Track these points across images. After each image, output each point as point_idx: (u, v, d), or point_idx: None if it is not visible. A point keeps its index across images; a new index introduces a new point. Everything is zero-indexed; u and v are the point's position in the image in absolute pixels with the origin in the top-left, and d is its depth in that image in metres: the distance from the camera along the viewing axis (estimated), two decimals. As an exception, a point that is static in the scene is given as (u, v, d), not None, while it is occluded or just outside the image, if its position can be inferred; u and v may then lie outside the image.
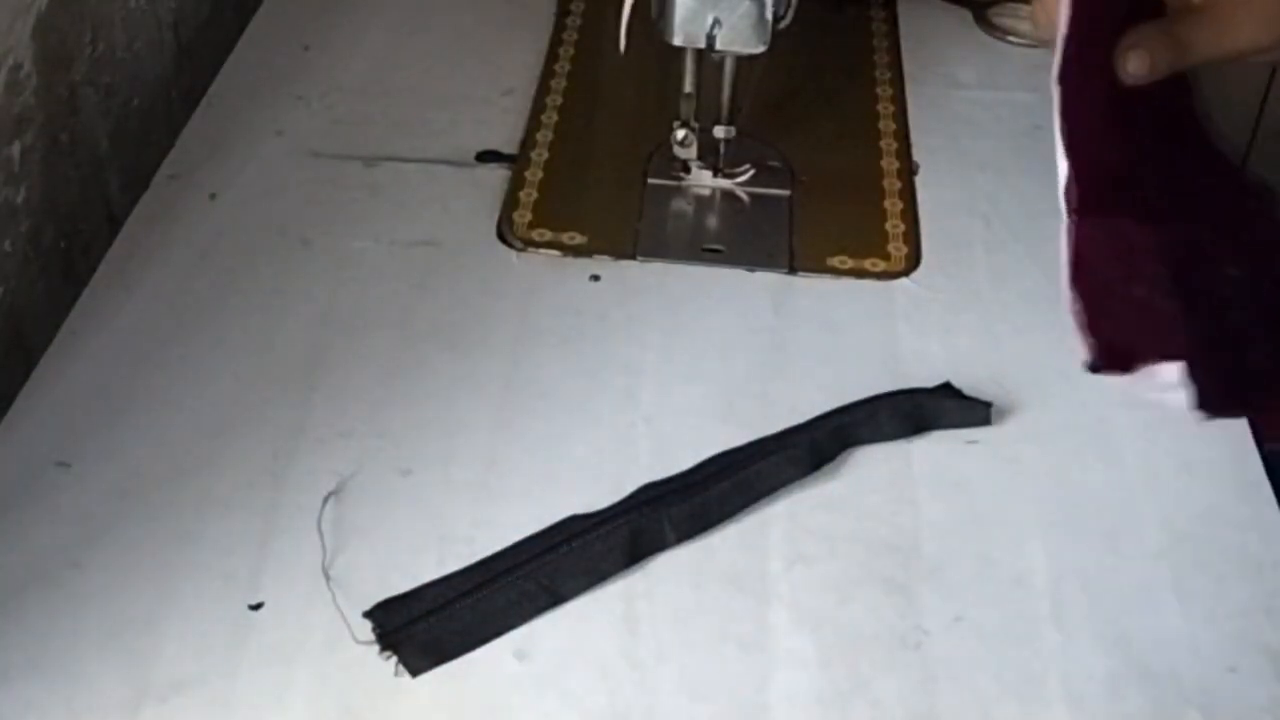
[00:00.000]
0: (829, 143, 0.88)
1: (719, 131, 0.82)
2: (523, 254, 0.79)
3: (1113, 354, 0.53)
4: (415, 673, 0.58)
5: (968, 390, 0.70)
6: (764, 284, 0.78)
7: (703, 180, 0.84)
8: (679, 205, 0.83)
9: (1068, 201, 0.55)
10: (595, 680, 0.58)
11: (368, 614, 0.60)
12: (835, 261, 0.79)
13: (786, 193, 0.84)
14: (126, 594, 0.60)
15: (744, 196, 0.84)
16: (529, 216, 0.82)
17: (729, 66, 0.80)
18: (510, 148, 0.87)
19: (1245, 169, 0.61)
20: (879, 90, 0.94)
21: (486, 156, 0.87)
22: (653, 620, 0.60)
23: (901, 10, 1.01)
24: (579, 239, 0.80)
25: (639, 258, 0.79)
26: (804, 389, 0.71)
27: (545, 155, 0.87)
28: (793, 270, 0.79)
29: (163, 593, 0.60)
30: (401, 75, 0.94)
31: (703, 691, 0.58)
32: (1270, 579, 0.62)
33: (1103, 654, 0.59)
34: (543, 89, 0.92)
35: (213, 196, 0.83)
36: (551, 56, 0.96)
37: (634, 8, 0.77)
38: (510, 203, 0.83)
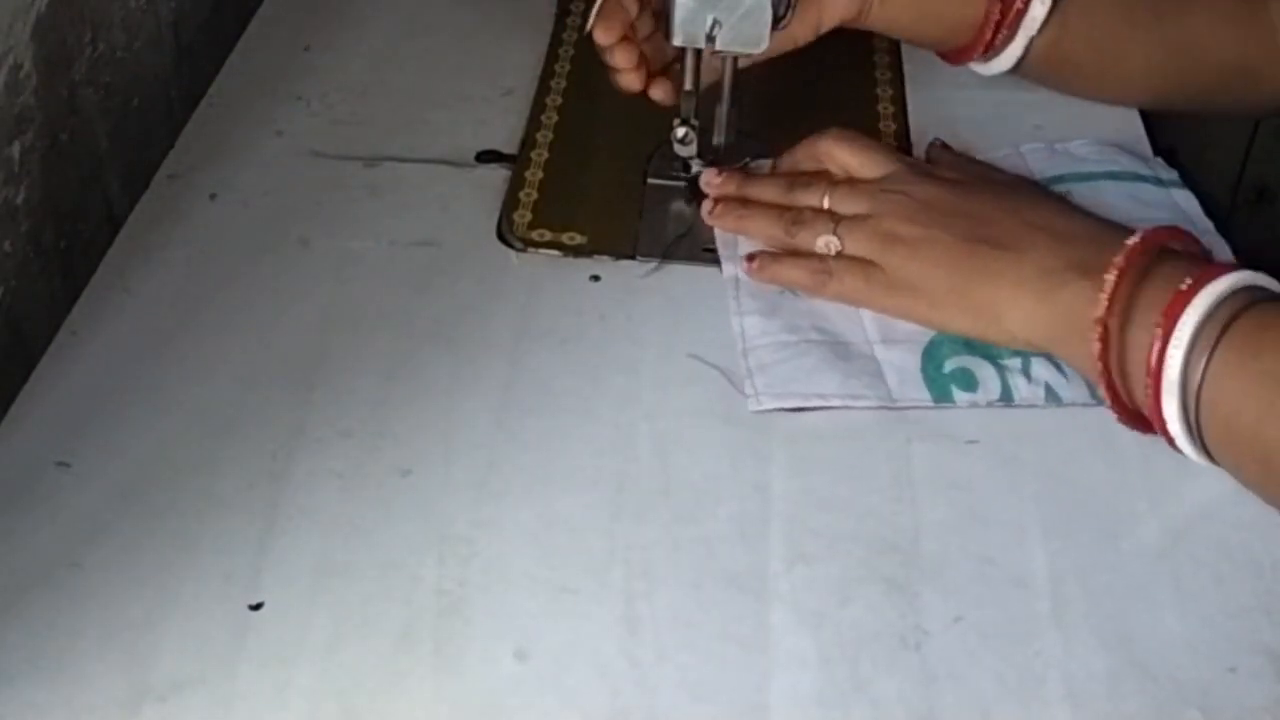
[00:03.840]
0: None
1: (717, 137, 0.82)
2: (523, 254, 0.79)
3: None
4: None
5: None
6: (764, 284, 0.78)
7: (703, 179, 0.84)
8: (679, 205, 0.83)
9: None
10: (595, 680, 0.58)
11: None
12: (835, 261, 0.79)
13: (786, 192, 0.84)
14: (126, 594, 0.60)
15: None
16: (529, 216, 0.82)
17: (729, 66, 0.80)
18: (510, 148, 0.87)
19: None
20: (879, 90, 0.93)
21: (486, 156, 0.87)
22: (653, 620, 0.60)
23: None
24: (579, 239, 0.80)
25: (639, 258, 0.79)
26: (804, 389, 0.71)
27: (545, 155, 0.87)
28: (793, 270, 0.79)
29: (163, 593, 0.60)
30: (401, 75, 0.94)
31: (703, 691, 0.58)
32: (1270, 579, 0.63)
33: (1103, 654, 0.59)
34: (543, 89, 0.92)
35: (213, 196, 0.83)
36: (551, 56, 0.96)
37: (634, 7, 0.77)
38: (510, 203, 0.83)
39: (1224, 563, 0.63)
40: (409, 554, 0.62)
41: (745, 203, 0.80)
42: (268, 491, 0.65)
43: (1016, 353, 0.71)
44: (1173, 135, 0.88)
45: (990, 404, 0.70)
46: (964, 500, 0.66)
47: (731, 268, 0.78)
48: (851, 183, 0.78)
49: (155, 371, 0.71)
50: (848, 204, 0.76)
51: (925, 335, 0.73)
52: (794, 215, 0.77)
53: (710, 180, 0.81)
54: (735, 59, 0.79)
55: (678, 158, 0.83)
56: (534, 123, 0.89)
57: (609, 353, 0.73)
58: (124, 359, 0.72)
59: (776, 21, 0.76)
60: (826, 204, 0.77)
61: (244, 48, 0.96)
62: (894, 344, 0.73)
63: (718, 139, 0.83)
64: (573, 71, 0.94)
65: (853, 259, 0.75)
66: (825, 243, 0.75)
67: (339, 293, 0.76)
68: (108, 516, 0.63)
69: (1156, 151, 0.87)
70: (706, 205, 0.80)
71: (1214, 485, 0.66)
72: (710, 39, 0.76)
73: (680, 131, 0.81)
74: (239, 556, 0.62)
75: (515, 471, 0.66)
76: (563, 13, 1.00)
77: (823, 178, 0.79)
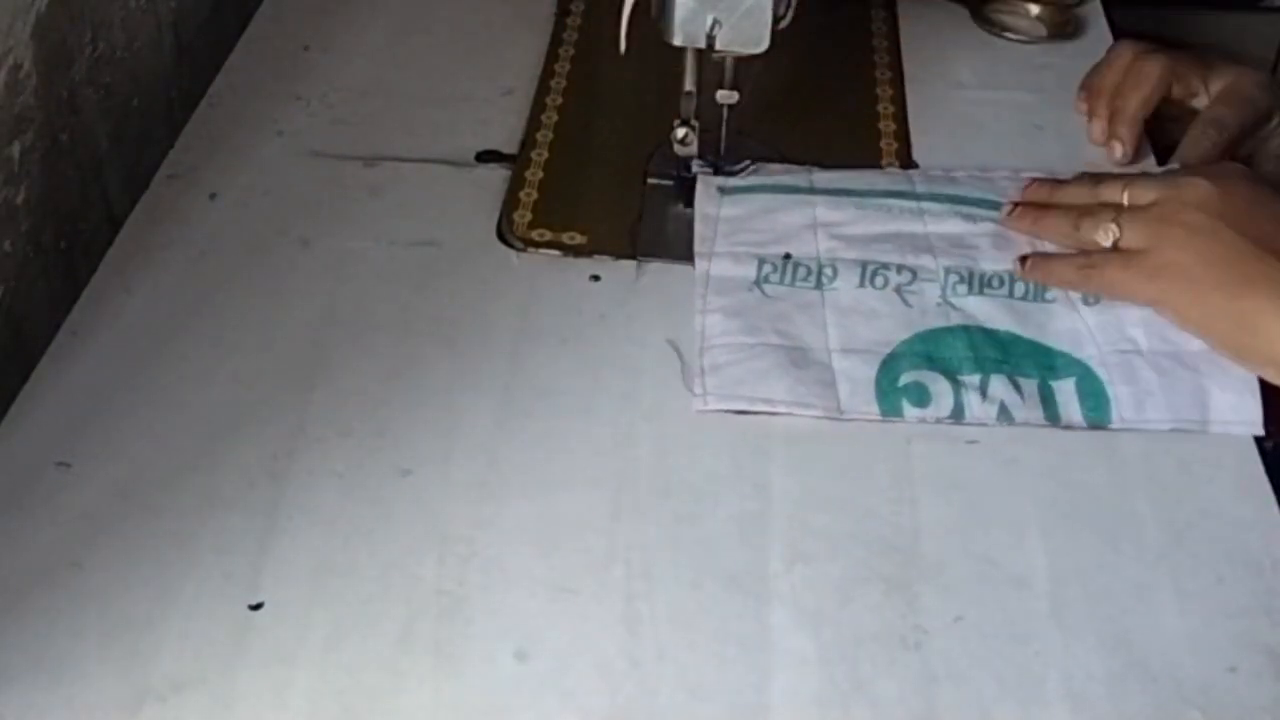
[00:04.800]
0: (829, 142, 0.88)
1: (721, 95, 0.81)
2: (523, 254, 0.79)
3: None
4: None
5: (968, 390, 0.71)
6: (764, 284, 0.78)
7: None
8: (679, 205, 0.83)
9: None
10: (596, 680, 0.58)
11: None
12: (835, 261, 0.79)
13: (786, 192, 0.84)
14: (127, 594, 0.60)
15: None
16: (529, 216, 0.82)
17: (729, 66, 0.80)
18: (510, 148, 0.87)
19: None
20: (879, 90, 0.93)
21: (486, 156, 0.87)
22: (653, 620, 0.60)
23: (901, 10, 1.01)
24: (579, 239, 0.80)
25: (639, 258, 0.79)
26: (804, 389, 0.71)
27: (545, 155, 0.87)
28: (793, 270, 0.79)
29: (163, 593, 0.60)
30: (401, 75, 0.94)
31: (703, 691, 0.58)
32: (1270, 579, 0.63)
33: (1103, 654, 0.59)
34: (543, 89, 0.92)
35: (213, 196, 0.83)
36: (551, 56, 0.96)
37: (634, 8, 0.77)
38: (510, 203, 0.83)
39: (1224, 563, 0.63)
40: (409, 554, 0.62)
41: (1044, 207, 0.79)
42: (268, 491, 0.65)
43: (977, 369, 0.71)
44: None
45: (939, 420, 0.69)
46: (964, 500, 0.66)
47: (704, 264, 0.77)
48: (1153, 176, 0.77)
49: (155, 371, 0.71)
50: (1142, 192, 0.75)
51: (886, 346, 0.72)
52: (1083, 209, 0.76)
53: (1025, 190, 0.81)
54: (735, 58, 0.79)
55: (678, 158, 0.83)
56: (534, 123, 0.89)
57: (609, 353, 0.73)
58: (124, 359, 0.72)
59: (776, 21, 0.76)
60: (1126, 199, 0.75)
61: (244, 48, 0.96)
62: (853, 353, 0.72)
63: (718, 139, 0.83)
64: (573, 71, 0.94)
65: (1121, 250, 0.73)
66: (1105, 231, 0.74)
67: (339, 293, 0.76)
68: (108, 516, 0.63)
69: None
70: (1005, 208, 0.80)
71: (1214, 485, 0.66)
72: (710, 39, 0.76)
73: (680, 132, 0.81)
74: (239, 556, 0.62)
75: (515, 471, 0.66)
76: (563, 13, 1.00)
77: (1123, 178, 0.77)
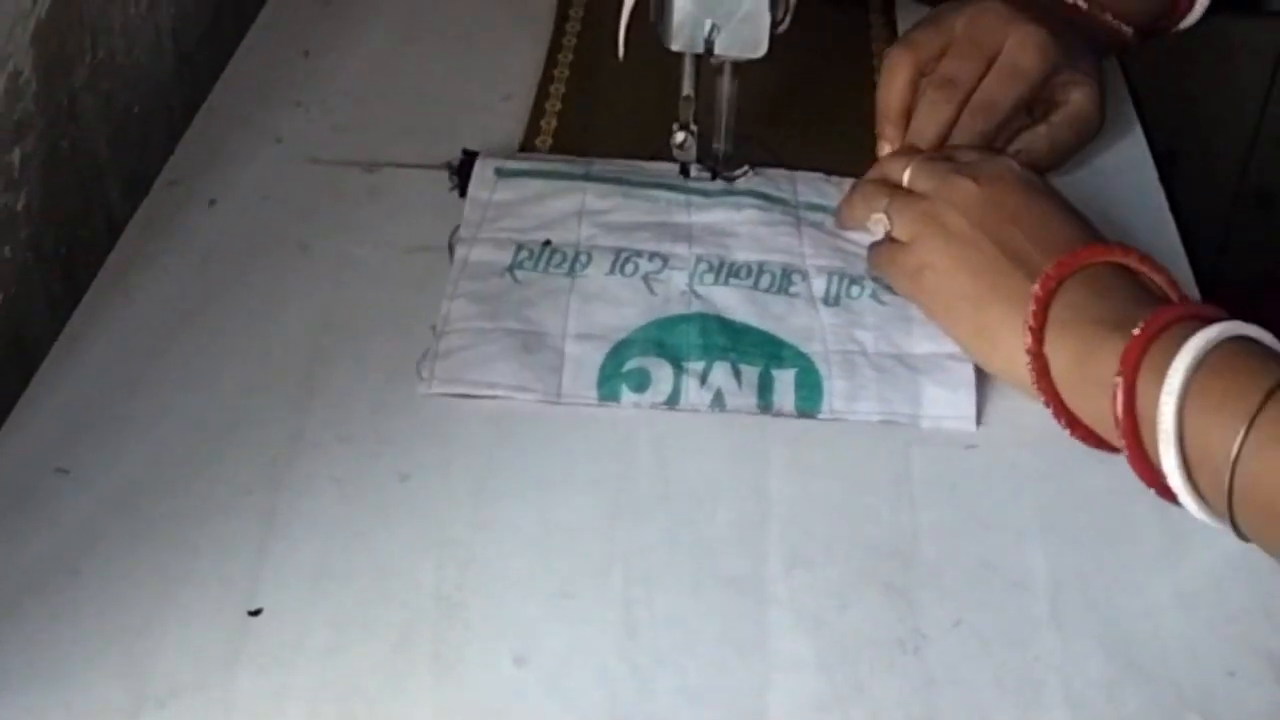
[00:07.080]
0: (828, 145, 0.88)
1: (716, 143, 0.82)
2: (522, 258, 0.79)
3: None
4: None
5: (967, 394, 0.71)
6: (763, 288, 0.78)
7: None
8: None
9: None
10: (594, 684, 0.58)
11: None
12: (833, 264, 0.79)
13: (785, 196, 0.84)
14: (125, 600, 0.60)
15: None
16: (528, 220, 0.82)
17: (728, 71, 0.80)
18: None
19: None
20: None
21: (486, 161, 0.87)
22: (651, 624, 0.60)
23: (900, 12, 1.01)
24: (578, 242, 0.80)
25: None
26: (803, 393, 0.71)
27: (544, 160, 0.86)
28: (791, 273, 0.79)
29: (161, 598, 0.60)
30: (401, 81, 0.94)
31: (701, 695, 0.58)
32: (1270, 582, 0.62)
33: (1102, 657, 0.59)
34: (542, 94, 0.92)
35: (212, 203, 0.83)
36: (551, 61, 0.96)
37: (632, 13, 0.77)
38: (509, 207, 0.83)
39: (1223, 566, 0.63)
40: (407, 559, 0.62)
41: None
42: (266, 497, 0.65)
43: (702, 357, 0.71)
44: (1173, 139, 0.88)
45: (654, 406, 0.69)
46: (963, 504, 0.66)
47: (464, 250, 0.77)
48: (942, 159, 0.76)
49: (155, 377, 0.71)
50: (921, 178, 0.75)
51: (621, 332, 0.72)
52: (864, 189, 0.77)
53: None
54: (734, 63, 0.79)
55: (676, 161, 0.83)
56: (533, 128, 0.89)
57: (608, 357, 0.73)
58: (124, 365, 0.72)
59: (774, 26, 0.76)
60: (906, 177, 0.76)
61: (243, 54, 0.96)
62: (587, 339, 0.72)
63: (717, 144, 0.83)
64: (571, 77, 0.94)
65: (893, 240, 0.74)
66: (875, 220, 0.75)
67: (338, 298, 0.76)
68: (106, 522, 0.63)
69: (1156, 156, 0.87)
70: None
71: (1213, 488, 0.66)
72: (708, 43, 0.76)
73: (679, 137, 0.81)
74: (238, 562, 0.62)
75: (513, 476, 0.66)
76: (561, 18, 1.00)
77: (912, 151, 0.78)
